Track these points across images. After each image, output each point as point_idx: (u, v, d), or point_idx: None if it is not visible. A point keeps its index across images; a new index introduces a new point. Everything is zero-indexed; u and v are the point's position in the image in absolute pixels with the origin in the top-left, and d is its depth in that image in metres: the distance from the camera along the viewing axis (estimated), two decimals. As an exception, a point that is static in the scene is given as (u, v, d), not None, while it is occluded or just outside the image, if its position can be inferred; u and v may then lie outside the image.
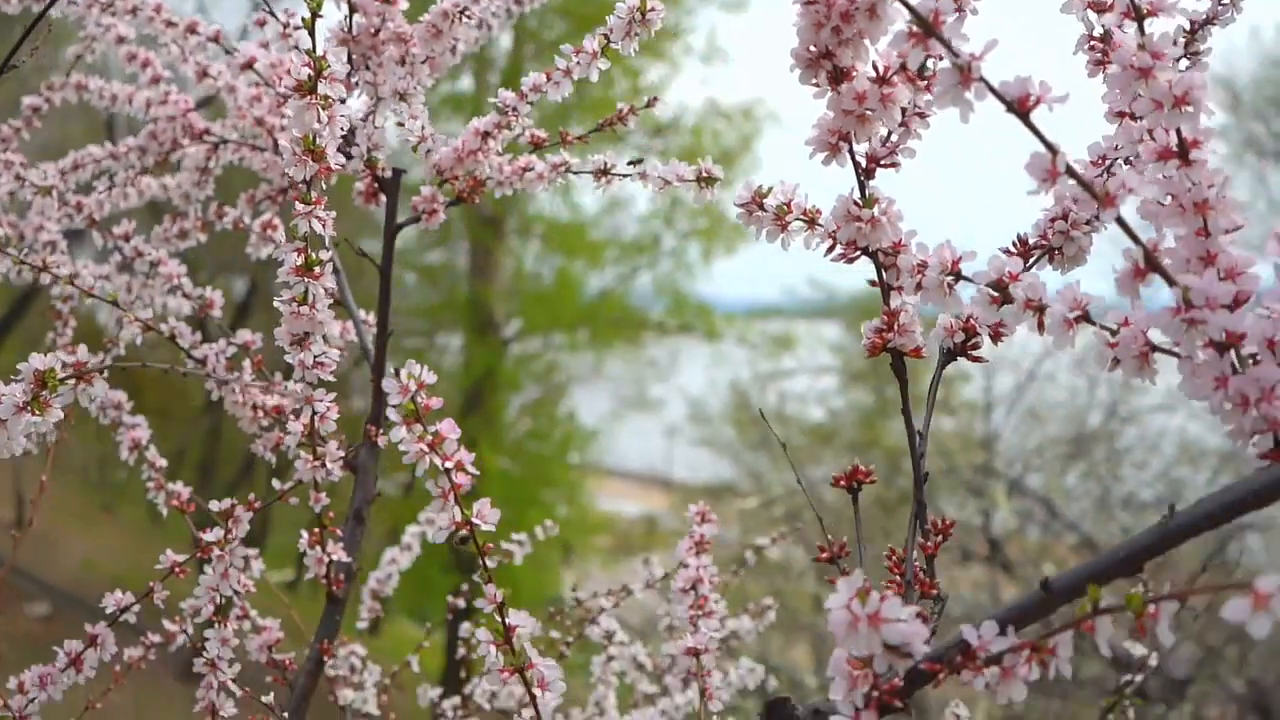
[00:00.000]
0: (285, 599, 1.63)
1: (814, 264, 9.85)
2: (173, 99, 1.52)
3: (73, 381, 0.88)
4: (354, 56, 1.22)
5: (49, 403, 0.84)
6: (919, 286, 0.79)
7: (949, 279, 0.77)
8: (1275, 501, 0.61)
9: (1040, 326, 0.71)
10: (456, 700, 1.87)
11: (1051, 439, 8.03)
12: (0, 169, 1.47)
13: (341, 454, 1.11)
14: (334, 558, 1.17)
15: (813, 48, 0.74)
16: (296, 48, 1.28)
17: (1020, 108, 0.62)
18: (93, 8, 1.42)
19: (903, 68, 0.73)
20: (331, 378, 1.05)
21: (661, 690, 1.88)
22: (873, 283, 0.82)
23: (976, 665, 0.63)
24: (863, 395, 9.54)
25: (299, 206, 0.95)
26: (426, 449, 0.76)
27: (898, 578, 0.82)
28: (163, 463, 1.39)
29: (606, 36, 1.14)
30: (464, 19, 1.20)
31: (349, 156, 1.23)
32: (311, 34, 0.95)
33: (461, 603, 1.97)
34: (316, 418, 1.09)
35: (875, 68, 0.75)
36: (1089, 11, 0.76)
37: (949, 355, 0.86)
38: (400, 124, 1.24)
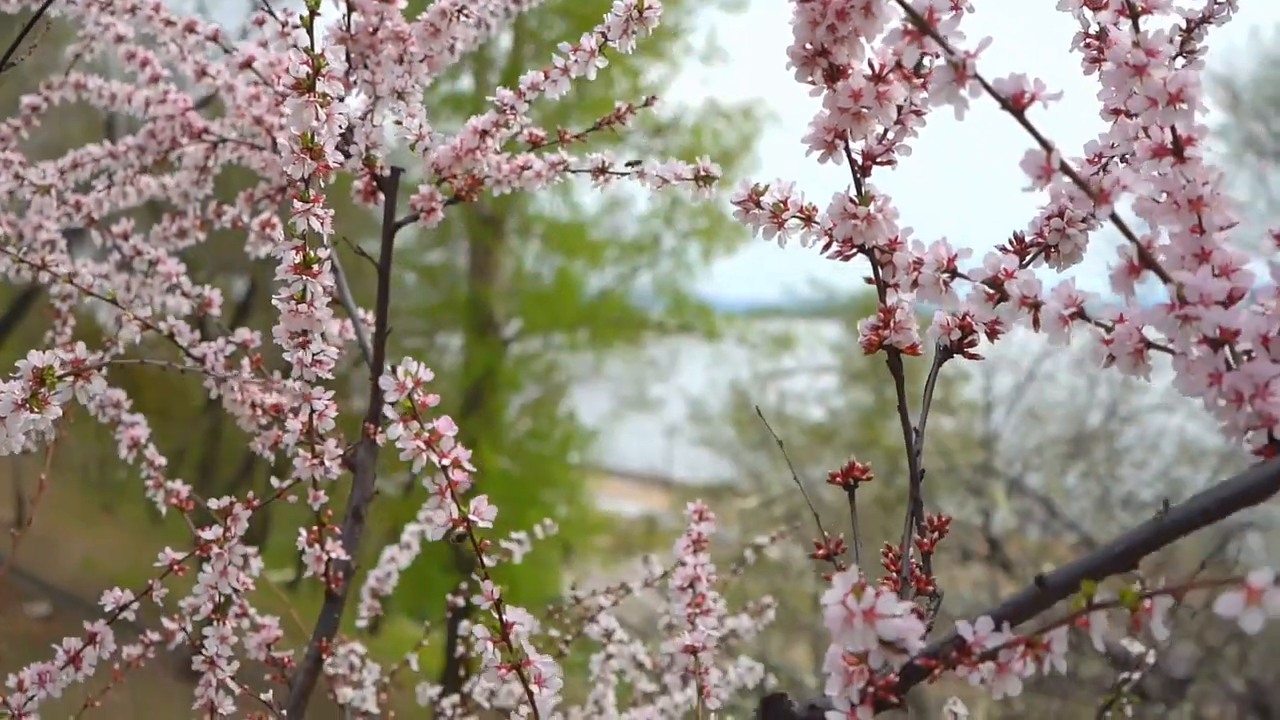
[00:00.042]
0: (285, 598, 1.63)
1: (814, 264, 9.85)
2: (171, 98, 1.52)
3: (71, 379, 0.88)
4: (352, 55, 1.22)
5: (47, 400, 0.85)
6: (915, 284, 0.79)
7: (945, 276, 0.77)
8: (1269, 497, 0.61)
9: (1035, 323, 0.72)
10: (455, 698, 1.87)
11: (1051, 439, 8.03)
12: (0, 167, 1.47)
13: (340, 452, 1.11)
14: (332, 555, 1.17)
15: (808, 45, 0.74)
16: (295, 46, 1.28)
17: (1015, 105, 0.62)
18: (91, 6, 1.42)
19: (898, 65, 0.73)
20: (329, 375, 1.05)
21: (661, 689, 1.89)
22: (869, 280, 0.82)
23: (972, 661, 0.63)
24: (863, 395, 9.54)
25: (297, 204, 0.95)
26: (423, 446, 0.76)
27: (894, 574, 0.82)
28: (161, 461, 1.39)
29: (604, 34, 1.14)
30: (462, 18, 1.21)
31: (347, 155, 1.23)
32: (309, 32, 0.95)
33: (461, 601, 1.97)
34: (315, 415, 1.09)
35: (871, 65, 0.75)
36: (1084, 9, 0.76)
37: (945, 353, 0.86)
38: (398, 122, 1.25)
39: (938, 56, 0.65)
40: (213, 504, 1.06)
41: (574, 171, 1.30)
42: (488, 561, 0.82)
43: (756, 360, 10.62)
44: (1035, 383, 8.13)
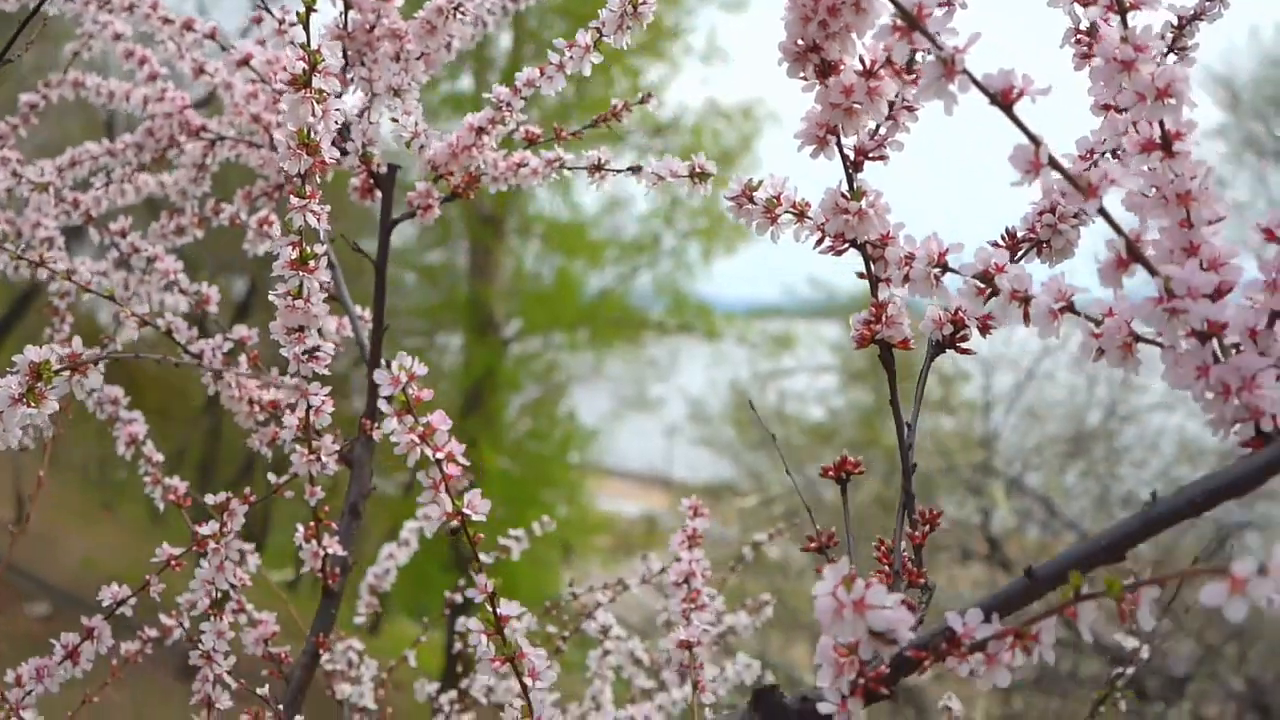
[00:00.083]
0: (285, 597, 1.64)
1: (813, 263, 9.86)
2: (169, 96, 1.53)
3: (67, 373, 0.89)
4: (349, 52, 1.23)
5: (44, 394, 0.85)
6: (907, 279, 0.79)
7: (936, 271, 0.78)
8: (1256, 488, 0.61)
9: (1026, 318, 0.72)
10: (453, 695, 1.88)
11: (1050, 438, 8.04)
12: (-2, 165, 1.48)
13: (336, 447, 1.12)
14: (329, 551, 1.18)
15: (800, 41, 0.75)
16: (292, 43, 1.29)
17: (1003, 100, 0.63)
18: (89, 4, 1.43)
19: (889, 61, 0.74)
20: (326, 371, 1.05)
21: (659, 685, 1.89)
22: (861, 275, 0.83)
23: (961, 652, 0.64)
24: (862, 394, 9.54)
25: (293, 200, 0.96)
26: (418, 440, 0.77)
27: (886, 567, 0.83)
28: (159, 457, 1.40)
29: (599, 30, 1.15)
30: (458, 15, 1.21)
31: (344, 152, 1.24)
32: (306, 28, 0.96)
33: (459, 598, 1.97)
34: (311, 411, 1.09)
35: (862, 61, 0.75)
36: (1075, 5, 0.76)
37: (938, 348, 0.86)
38: (395, 120, 1.25)
39: (928, 52, 0.65)
40: (209, 500, 1.07)
41: (570, 169, 1.30)
42: (484, 558, 0.83)
43: (756, 360, 10.63)
44: (1034, 382, 8.14)
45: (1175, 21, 0.86)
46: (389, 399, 0.76)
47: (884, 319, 0.82)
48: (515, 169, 1.31)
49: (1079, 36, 0.77)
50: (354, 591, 1.89)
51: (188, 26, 1.45)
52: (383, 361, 0.76)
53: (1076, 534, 6.93)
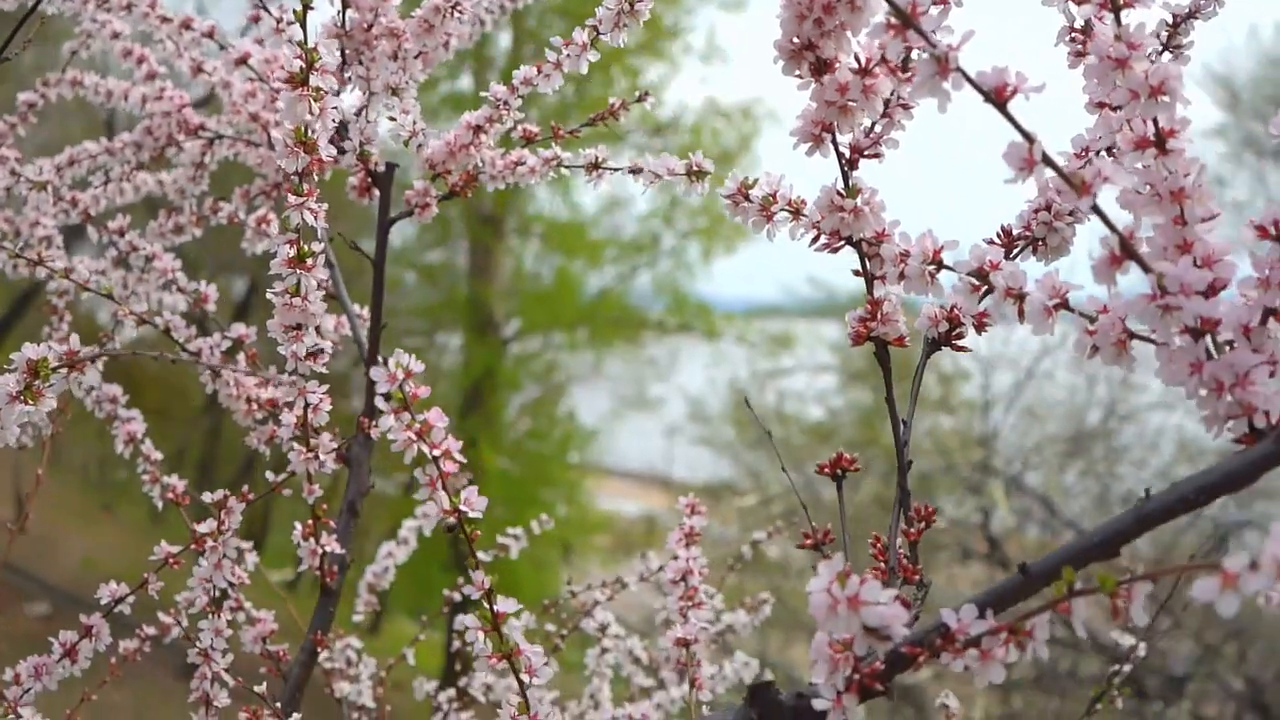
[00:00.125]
0: (284, 596, 1.64)
1: (813, 263, 9.87)
2: (168, 94, 1.53)
3: (65, 371, 0.89)
4: (347, 51, 1.23)
5: (42, 392, 0.85)
6: (902, 276, 0.79)
7: (931, 268, 0.78)
8: (1249, 484, 0.61)
9: (1020, 314, 0.72)
10: (452, 692, 1.88)
11: (1050, 437, 8.04)
12: (-4, 165, 1.48)
13: (334, 445, 1.12)
14: (327, 550, 1.18)
15: (796, 39, 0.75)
16: (290, 42, 1.29)
17: (997, 98, 0.63)
18: (88, 3, 1.43)
19: (884, 59, 0.74)
20: (324, 369, 1.05)
21: (658, 684, 1.89)
22: (857, 272, 0.83)
23: (956, 648, 0.64)
24: (862, 394, 9.54)
25: (291, 198, 0.96)
26: (414, 437, 0.77)
27: (882, 564, 0.83)
28: (158, 456, 1.40)
29: (595, 28, 1.15)
30: (456, 14, 1.21)
31: (342, 151, 1.24)
32: (303, 27, 0.96)
33: (458, 596, 1.98)
34: (309, 410, 1.09)
35: (857, 59, 0.75)
36: (1069, 4, 0.77)
37: (933, 345, 0.86)
38: (392, 119, 1.25)
39: (923, 50, 0.66)
40: (207, 498, 1.07)
41: (568, 167, 1.30)
42: (482, 557, 0.83)
43: (756, 360, 10.64)
44: (1034, 381, 8.14)
45: (1170, 19, 0.86)
46: (386, 396, 0.76)
47: (880, 316, 0.83)
48: (513, 167, 1.31)
49: (1073, 35, 0.78)
50: (353, 590, 1.89)
51: (186, 25, 1.45)
52: (380, 359, 0.76)
53: (1076, 533, 6.93)
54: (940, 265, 0.78)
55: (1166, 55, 0.86)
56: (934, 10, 0.68)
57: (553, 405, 10.51)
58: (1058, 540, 7.20)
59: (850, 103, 0.76)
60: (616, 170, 1.26)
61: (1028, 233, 0.85)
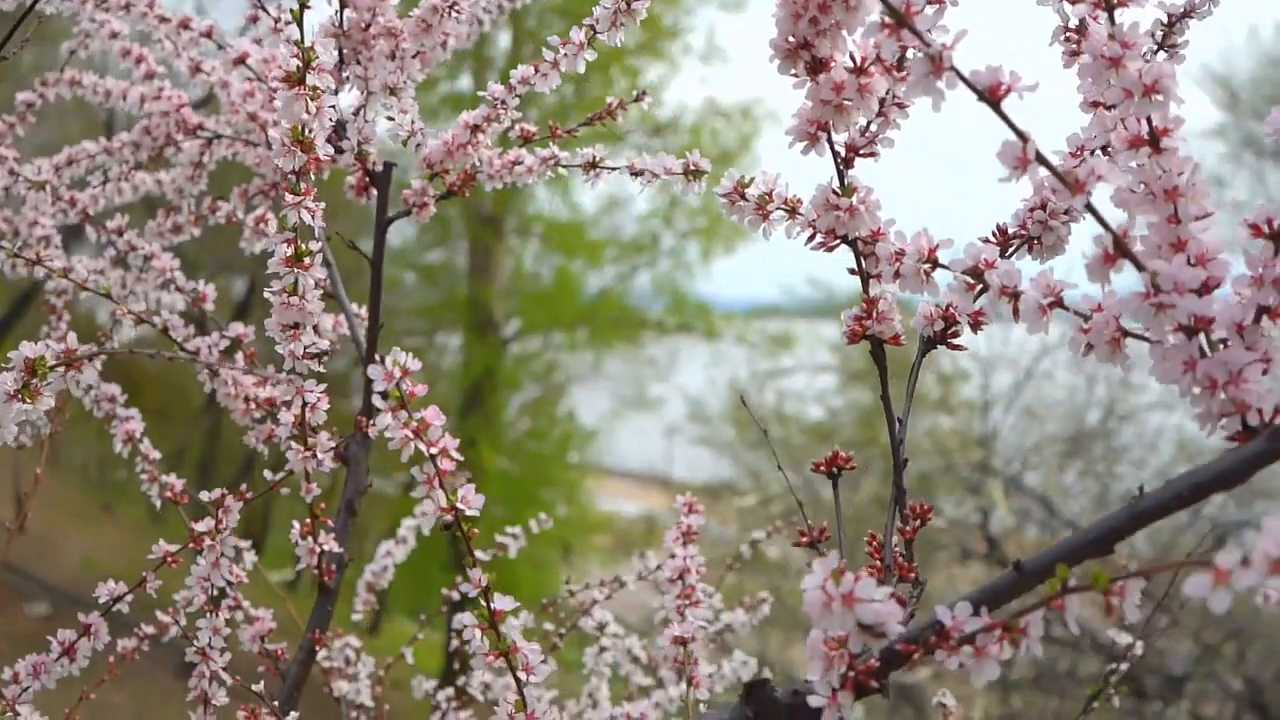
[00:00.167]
0: (283, 596, 1.64)
1: (813, 263, 9.87)
2: (166, 94, 1.53)
3: (62, 369, 0.89)
4: (344, 50, 1.23)
5: (39, 390, 0.85)
6: (897, 274, 0.80)
7: (926, 267, 0.78)
8: (1243, 482, 0.62)
9: (1015, 313, 0.72)
10: (450, 691, 1.88)
11: (1049, 437, 8.05)
12: (-5, 164, 1.48)
13: (332, 444, 1.12)
14: (325, 548, 1.18)
15: (791, 38, 0.75)
16: (288, 41, 1.29)
17: (991, 96, 0.63)
18: (86, 3, 1.43)
19: (879, 58, 0.74)
20: (321, 368, 1.05)
21: (656, 683, 1.89)
22: (852, 271, 0.83)
23: (950, 645, 0.64)
24: (861, 394, 9.54)
25: (288, 197, 0.96)
26: (411, 435, 0.77)
27: (878, 562, 0.83)
28: (156, 455, 1.40)
29: (593, 28, 1.15)
30: (454, 14, 1.21)
31: (340, 150, 1.24)
32: (300, 26, 0.96)
33: (457, 595, 1.98)
34: (307, 409, 1.09)
35: (852, 58, 0.76)
36: (1064, 3, 0.77)
37: (929, 343, 0.87)
38: (390, 118, 1.25)
39: (918, 49, 0.66)
40: (205, 497, 1.07)
41: (565, 167, 1.31)
42: (480, 555, 0.83)
43: (755, 360, 10.64)
44: (1033, 381, 8.15)
45: (1165, 19, 0.87)
46: (383, 394, 0.76)
47: (875, 315, 0.83)
48: (510, 167, 1.31)
49: (1068, 34, 0.78)
50: (352, 590, 1.89)
51: (184, 25, 1.46)
52: (378, 357, 0.76)
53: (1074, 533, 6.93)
54: (935, 264, 0.79)
55: (1161, 54, 0.87)
56: (928, 10, 0.68)
57: (552, 405, 10.52)
58: (1057, 540, 7.20)
59: (845, 102, 0.76)
60: (614, 170, 1.26)
61: (1023, 231, 0.85)
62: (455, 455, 0.78)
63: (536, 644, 0.83)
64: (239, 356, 1.38)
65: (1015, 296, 0.72)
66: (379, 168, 1.31)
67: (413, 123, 1.26)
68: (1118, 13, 0.69)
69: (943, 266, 0.78)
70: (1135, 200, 0.68)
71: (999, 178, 0.65)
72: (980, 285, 0.74)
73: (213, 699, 1.10)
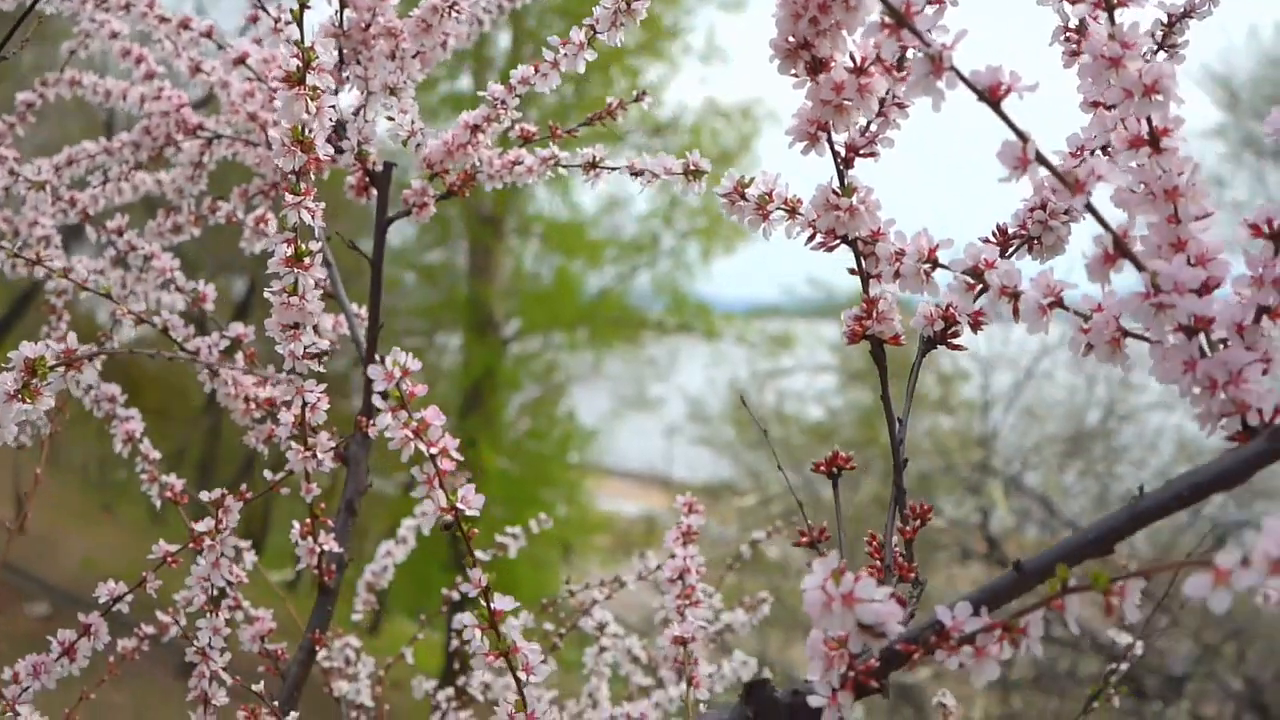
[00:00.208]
0: (284, 596, 1.64)
1: (813, 263, 9.87)
2: (166, 94, 1.53)
3: (62, 369, 0.89)
4: (344, 51, 1.23)
5: (39, 390, 0.85)
6: (897, 274, 0.80)
7: (926, 267, 0.78)
8: (1242, 482, 0.62)
9: (1015, 313, 0.72)
10: (451, 691, 1.88)
11: (1049, 437, 8.05)
12: (-5, 164, 1.48)
13: (332, 444, 1.12)
14: (325, 548, 1.18)
15: (791, 38, 0.75)
16: (288, 41, 1.29)
17: (991, 96, 0.63)
18: (86, 3, 1.43)
19: (879, 58, 0.74)
20: (321, 368, 1.05)
21: (656, 683, 1.89)
22: (852, 270, 0.83)
23: (950, 645, 0.64)
24: (861, 394, 9.55)
25: (288, 197, 0.96)
26: (411, 435, 0.77)
27: (878, 562, 0.83)
28: (156, 455, 1.40)
29: (593, 28, 1.15)
30: (454, 14, 1.21)
31: (340, 150, 1.24)
32: (300, 26, 0.96)
33: (457, 595, 1.98)
34: (307, 409, 1.09)
35: (852, 58, 0.76)
36: (1064, 3, 0.77)
37: (929, 343, 0.87)
38: (390, 118, 1.25)
39: (918, 49, 0.66)
40: (205, 497, 1.07)
41: (565, 167, 1.31)
42: (480, 555, 0.83)
43: (755, 360, 10.64)
44: (1033, 381, 8.15)
45: (1165, 19, 0.87)
46: (383, 393, 0.76)
47: (875, 315, 0.83)
48: (510, 167, 1.31)
49: (1068, 34, 0.78)
50: (352, 590, 1.90)
51: (184, 25, 1.46)
52: (377, 357, 0.76)
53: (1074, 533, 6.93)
54: (935, 264, 0.79)
55: (1161, 54, 0.87)
56: (929, 10, 0.68)
57: (552, 405, 10.52)
58: (1057, 540, 7.20)
59: (845, 102, 0.76)
60: (614, 169, 1.26)
61: (1023, 231, 0.85)
62: (455, 455, 0.78)
63: (536, 644, 0.83)
64: (239, 356, 1.38)
65: (1015, 296, 0.72)
66: (379, 168, 1.31)
67: (413, 123, 1.26)
68: (1118, 13, 0.69)
69: (943, 266, 0.78)
70: (1135, 200, 0.68)
71: (999, 178, 0.65)
72: (980, 285, 0.74)
73: (213, 699, 1.11)
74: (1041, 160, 0.63)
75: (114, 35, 1.50)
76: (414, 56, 1.24)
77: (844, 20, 0.74)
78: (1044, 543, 7.26)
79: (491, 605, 0.82)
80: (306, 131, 0.96)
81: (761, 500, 8.51)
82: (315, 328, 1.03)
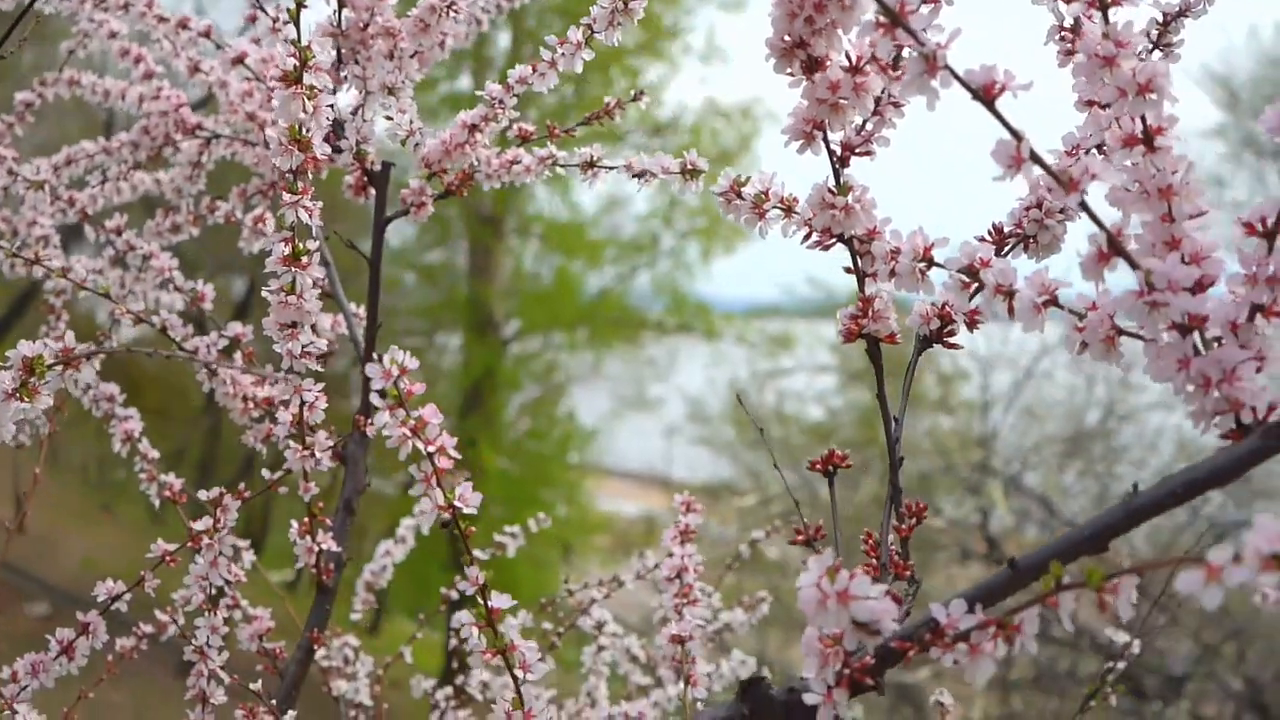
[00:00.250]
0: (282, 596, 1.64)
1: (812, 263, 9.87)
2: (165, 94, 1.53)
3: (60, 368, 0.89)
4: (343, 50, 1.23)
5: (37, 389, 0.86)
6: (893, 273, 0.80)
7: (922, 265, 0.79)
8: (1235, 480, 0.62)
9: (1010, 311, 0.73)
10: (450, 690, 1.88)
11: (1049, 437, 8.05)
12: (-6, 164, 1.48)
13: (330, 443, 1.12)
14: (323, 547, 1.18)
15: (787, 37, 0.76)
16: (285, 41, 1.29)
17: (985, 95, 0.63)
18: (85, 3, 1.43)
19: (874, 57, 0.75)
20: (319, 367, 1.06)
21: (655, 682, 1.90)
22: (848, 269, 0.83)
23: (945, 643, 0.64)
24: (861, 394, 9.54)
25: (286, 196, 0.96)
26: (409, 433, 0.77)
27: (874, 561, 0.83)
28: (155, 454, 1.40)
29: (590, 28, 1.15)
30: (452, 13, 1.22)
31: (338, 150, 1.24)
32: (297, 25, 0.96)
33: (456, 595, 1.98)
34: (305, 408, 1.10)
35: (848, 57, 0.76)
36: (1058, 2, 0.77)
37: (925, 342, 0.87)
38: (389, 118, 1.25)
39: (913, 48, 0.66)
40: (203, 495, 1.07)
41: (563, 166, 1.31)
42: (479, 554, 0.83)
43: (755, 360, 10.64)
44: (1033, 381, 8.15)
45: (1160, 18, 0.87)
46: (381, 392, 0.76)
47: (871, 313, 0.83)
48: (508, 166, 1.31)
49: (1063, 33, 0.78)
50: (352, 589, 1.90)
51: (183, 25, 1.46)
52: (375, 356, 0.76)
53: (1074, 533, 6.92)
54: (931, 262, 0.79)
55: (1156, 53, 0.87)
56: (923, 9, 0.69)
57: (552, 405, 10.52)
58: (1057, 540, 7.19)
59: (841, 100, 0.76)
60: (612, 169, 1.26)
61: (1019, 230, 0.85)
62: (452, 453, 0.78)
63: (534, 642, 0.83)
64: (237, 356, 1.38)
65: (1010, 295, 0.72)
66: (377, 167, 1.31)
67: (411, 122, 1.26)
68: (1112, 12, 0.69)
69: (938, 265, 0.78)
70: (1130, 199, 0.69)
71: (994, 177, 0.65)
72: (976, 284, 0.74)
73: (211, 698, 1.11)
74: (1036, 159, 0.64)
75: (113, 35, 1.50)
76: (412, 56, 1.24)
77: (839, 19, 0.74)
78: (1043, 543, 7.25)
79: (489, 603, 0.82)
80: (304, 131, 0.96)
81: (761, 500, 8.51)
82: (313, 327, 1.03)
